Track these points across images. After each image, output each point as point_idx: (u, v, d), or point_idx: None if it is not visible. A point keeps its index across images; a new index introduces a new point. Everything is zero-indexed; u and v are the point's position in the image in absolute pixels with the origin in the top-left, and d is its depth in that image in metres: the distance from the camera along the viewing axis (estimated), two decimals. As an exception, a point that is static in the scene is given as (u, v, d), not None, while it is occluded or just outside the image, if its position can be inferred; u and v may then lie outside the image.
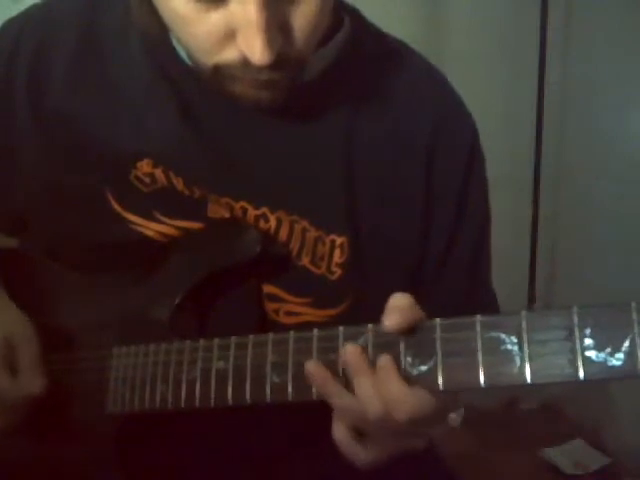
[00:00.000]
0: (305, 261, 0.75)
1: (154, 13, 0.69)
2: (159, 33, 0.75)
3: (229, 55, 0.65)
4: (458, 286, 0.82)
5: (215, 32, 0.64)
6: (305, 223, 0.75)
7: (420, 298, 0.79)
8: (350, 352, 0.58)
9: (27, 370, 0.75)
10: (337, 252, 0.75)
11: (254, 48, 0.61)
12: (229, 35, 0.63)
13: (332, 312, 0.75)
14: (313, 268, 0.75)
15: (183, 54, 0.76)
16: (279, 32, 0.63)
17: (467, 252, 0.82)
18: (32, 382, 0.74)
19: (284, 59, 0.64)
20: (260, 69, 0.63)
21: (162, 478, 0.80)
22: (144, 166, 0.76)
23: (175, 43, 0.76)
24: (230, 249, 0.75)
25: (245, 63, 0.64)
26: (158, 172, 0.75)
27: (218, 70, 0.67)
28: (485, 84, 2.02)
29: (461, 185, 0.80)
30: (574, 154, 2.14)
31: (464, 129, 0.82)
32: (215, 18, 0.63)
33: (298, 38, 0.65)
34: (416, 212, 0.78)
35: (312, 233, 0.75)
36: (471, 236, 0.82)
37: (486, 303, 0.84)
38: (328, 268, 0.75)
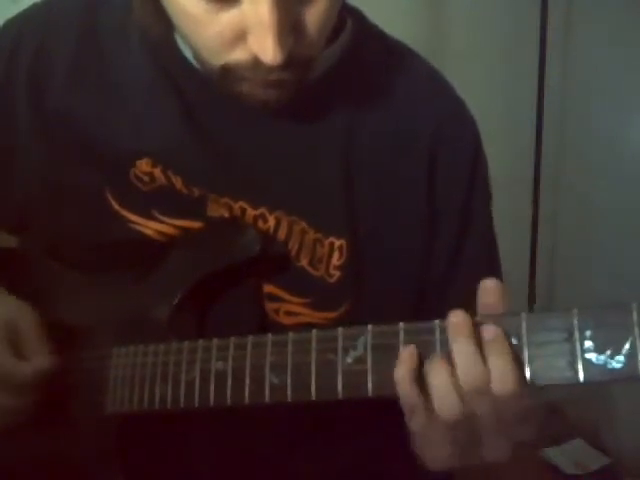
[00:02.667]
0: (304, 262, 0.75)
1: (158, 13, 0.69)
2: (162, 33, 0.75)
3: (239, 55, 0.65)
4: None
5: (226, 32, 0.63)
6: (304, 224, 0.75)
7: (426, 301, 0.79)
8: (458, 314, 0.56)
9: (32, 349, 0.74)
10: (336, 254, 0.74)
11: (266, 48, 0.61)
12: (240, 35, 0.63)
13: (331, 315, 0.75)
14: (311, 270, 0.75)
15: (187, 54, 0.76)
16: (290, 32, 0.63)
17: (472, 262, 0.81)
18: (39, 359, 0.74)
19: (294, 58, 0.64)
20: (270, 69, 0.63)
21: (162, 478, 0.80)
22: (143, 165, 0.76)
23: (179, 43, 0.76)
24: (229, 249, 0.74)
25: (255, 63, 0.63)
26: (157, 171, 0.75)
27: (227, 70, 0.66)
28: (485, 84, 2.02)
29: (465, 192, 0.79)
30: (574, 154, 2.14)
31: (467, 132, 0.82)
32: (226, 18, 0.63)
33: (308, 37, 0.65)
34: (417, 214, 0.78)
35: (311, 235, 0.75)
36: (476, 244, 0.81)
37: None
38: (327, 270, 0.75)
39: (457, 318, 0.56)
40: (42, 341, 0.75)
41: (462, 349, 0.55)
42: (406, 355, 0.57)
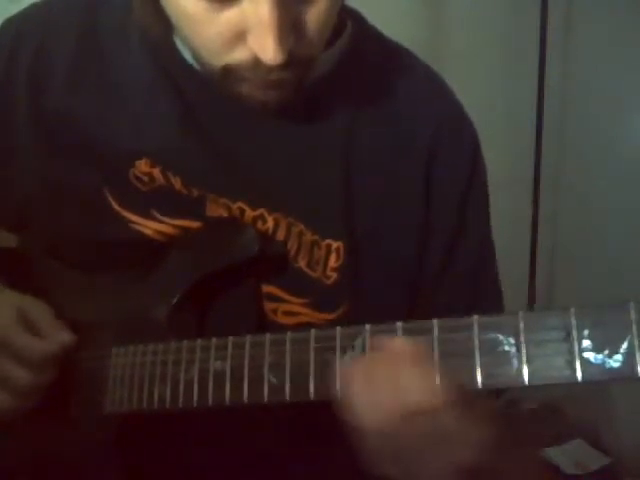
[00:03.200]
0: (302, 264, 0.75)
1: (158, 13, 0.69)
2: (162, 33, 0.75)
3: (239, 55, 0.64)
4: (459, 295, 0.81)
5: (226, 32, 0.63)
6: (302, 226, 0.75)
7: (420, 305, 0.79)
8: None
9: (49, 328, 0.74)
10: (333, 257, 0.74)
11: (266, 48, 0.61)
12: (240, 35, 0.63)
13: (330, 317, 0.75)
14: (309, 271, 0.75)
15: (186, 54, 0.76)
16: (290, 31, 0.63)
17: (468, 261, 0.81)
18: (58, 335, 0.74)
19: (294, 58, 0.64)
20: (271, 69, 0.63)
21: (161, 478, 0.80)
22: (142, 165, 0.76)
23: (178, 43, 0.76)
24: (228, 248, 0.74)
25: (256, 63, 0.63)
26: (156, 171, 0.75)
27: (227, 71, 0.66)
28: (485, 84, 2.02)
29: (463, 192, 0.79)
30: (574, 154, 2.14)
31: (466, 134, 0.82)
32: (226, 17, 0.62)
33: (309, 37, 0.65)
34: (415, 216, 0.78)
35: (308, 237, 0.75)
36: (472, 245, 0.81)
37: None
38: (324, 272, 0.74)
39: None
40: (57, 323, 0.75)
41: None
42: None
